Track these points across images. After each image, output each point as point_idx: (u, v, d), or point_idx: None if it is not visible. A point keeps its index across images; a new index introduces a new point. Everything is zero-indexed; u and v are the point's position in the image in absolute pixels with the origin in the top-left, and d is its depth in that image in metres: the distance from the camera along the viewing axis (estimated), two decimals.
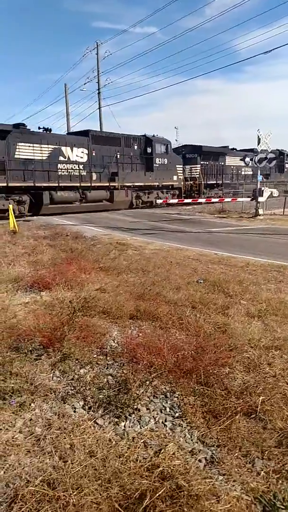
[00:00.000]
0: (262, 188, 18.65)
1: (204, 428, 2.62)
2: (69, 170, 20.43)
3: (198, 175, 28.91)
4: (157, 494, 1.92)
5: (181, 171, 27.29)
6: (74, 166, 20.73)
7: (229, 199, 22.59)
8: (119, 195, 22.49)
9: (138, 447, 2.40)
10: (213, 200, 22.28)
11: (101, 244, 10.50)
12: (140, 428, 2.62)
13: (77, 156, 20.86)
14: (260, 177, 19.16)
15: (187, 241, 12.07)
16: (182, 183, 27.21)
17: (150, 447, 2.41)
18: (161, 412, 2.81)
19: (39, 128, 20.15)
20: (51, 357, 3.52)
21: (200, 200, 22.88)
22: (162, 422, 2.70)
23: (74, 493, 1.97)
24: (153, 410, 2.82)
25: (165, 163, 25.58)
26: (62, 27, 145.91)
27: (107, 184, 22.01)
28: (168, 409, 2.84)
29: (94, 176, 21.39)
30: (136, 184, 23.71)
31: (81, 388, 3.05)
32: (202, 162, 29.62)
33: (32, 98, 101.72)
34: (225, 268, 7.93)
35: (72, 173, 20.59)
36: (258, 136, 18.35)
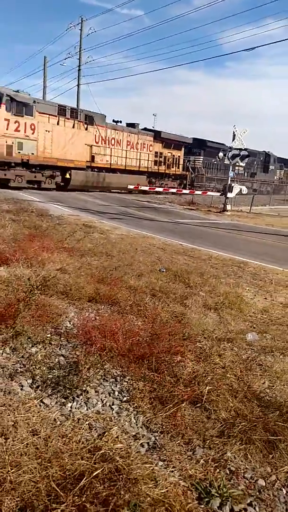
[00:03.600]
0: (232, 184, 18.92)
1: (150, 413, 2.65)
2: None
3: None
4: (95, 475, 1.93)
5: (278, 173, 50.94)
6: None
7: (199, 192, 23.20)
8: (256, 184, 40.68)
9: (83, 429, 2.39)
10: (184, 191, 23.91)
11: (67, 224, 10.32)
12: (87, 410, 2.61)
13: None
14: (231, 173, 19.39)
15: (154, 229, 12.09)
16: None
17: (95, 429, 2.41)
18: (110, 395, 2.81)
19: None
20: (2, 333, 3.43)
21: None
22: (110, 405, 2.71)
23: (12, 470, 1.94)
24: (101, 393, 2.81)
25: (273, 169, 48.24)
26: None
27: (250, 179, 40.13)
28: (116, 393, 2.84)
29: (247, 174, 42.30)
30: (262, 179, 44.31)
31: (30, 367, 3.00)
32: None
33: (6, 67, 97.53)
34: (189, 259, 8.02)
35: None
36: (234, 132, 18.52)
